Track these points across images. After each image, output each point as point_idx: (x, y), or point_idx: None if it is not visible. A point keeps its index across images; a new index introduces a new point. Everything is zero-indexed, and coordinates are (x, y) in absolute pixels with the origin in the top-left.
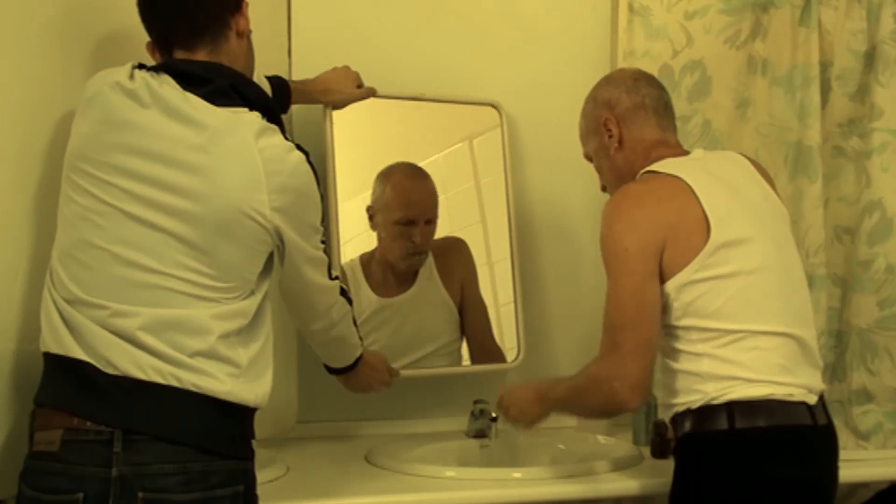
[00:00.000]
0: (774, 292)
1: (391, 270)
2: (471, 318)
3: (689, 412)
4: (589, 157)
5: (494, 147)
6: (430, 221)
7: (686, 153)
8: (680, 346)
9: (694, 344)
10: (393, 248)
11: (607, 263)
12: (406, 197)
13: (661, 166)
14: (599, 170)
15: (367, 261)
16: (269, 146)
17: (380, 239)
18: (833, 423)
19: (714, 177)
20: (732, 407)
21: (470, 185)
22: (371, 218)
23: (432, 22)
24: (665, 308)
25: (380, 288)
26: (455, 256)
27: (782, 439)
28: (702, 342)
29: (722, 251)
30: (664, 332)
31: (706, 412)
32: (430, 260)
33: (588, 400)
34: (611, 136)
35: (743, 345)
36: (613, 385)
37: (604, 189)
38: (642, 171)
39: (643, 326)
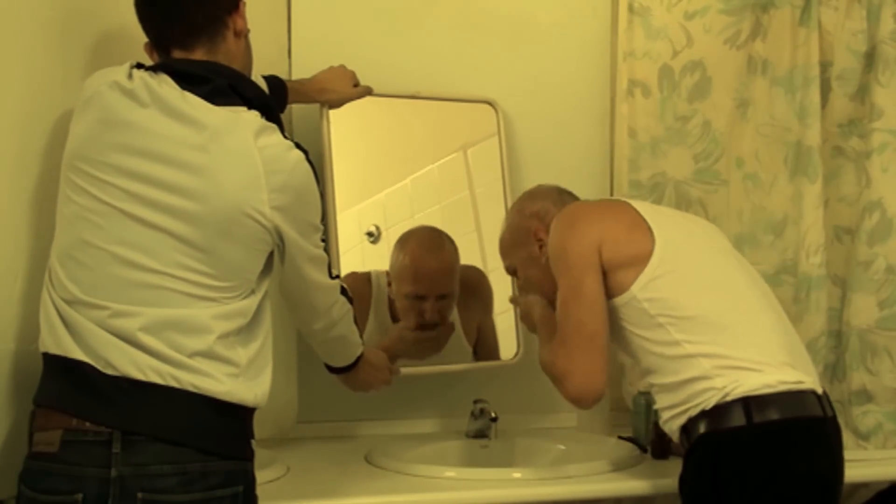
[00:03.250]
0: (740, 274)
1: None
2: (480, 346)
3: (703, 414)
4: (512, 271)
5: (490, 151)
6: (445, 297)
7: None
8: (667, 351)
9: (679, 346)
10: (407, 319)
11: (553, 268)
12: (416, 270)
13: None
14: (527, 279)
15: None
16: (268, 145)
17: (396, 307)
18: (836, 415)
19: (645, 204)
20: (748, 402)
21: (465, 195)
22: (389, 284)
23: (432, 22)
24: (639, 312)
25: None
26: (474, 294)
27: (799, 432)
28: (688, 343)
29: (674, 246)
30: (647, 346)
31: (721, 410)
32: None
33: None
34: (542, 247)
35: (729, 332)
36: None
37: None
38: None
39: (588, 321)
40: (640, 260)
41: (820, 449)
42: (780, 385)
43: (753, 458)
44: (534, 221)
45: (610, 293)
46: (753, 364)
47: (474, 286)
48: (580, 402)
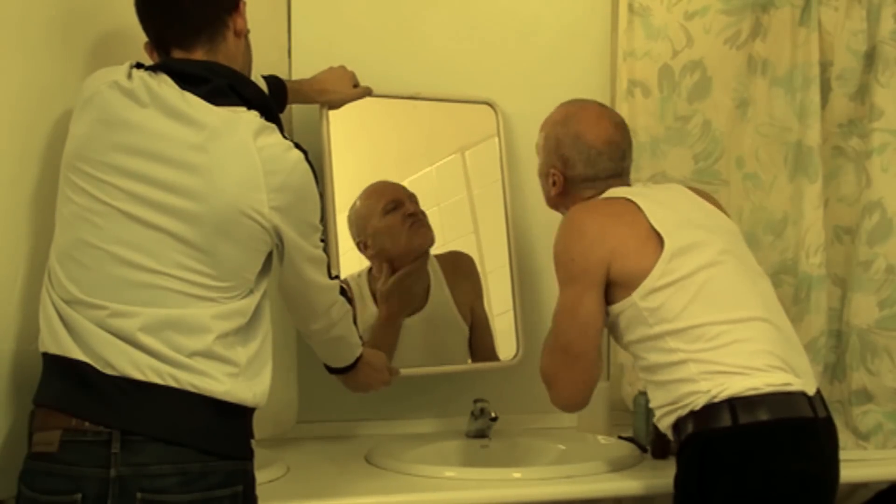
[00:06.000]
0: (737, 280)
1: None
2: (477, 336)
3: (691, 414)
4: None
5: (489, 152)
6: (414, 200)
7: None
8: (662, 358)
9: (674, 353)
10: (399, 241)
11: (556, 272)
12: (379, 190)
13: (609, 193)
14: (543, 175)
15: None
16: (267, 145)
17: (384, 251)
18: (832, 416)
19: (655, 201)
20: (734, 403)
21: (462, 197)
22: (365, 248)
23: (432, 22)
24: (638, 318)
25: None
26: (465, 276)
27: (785, 433)
28: (681, 351)
29: (678, 257)
30: (644, 348)
31: (709, 411)
32: (441, 279)
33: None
34: (555, 183)
35: (720, 340)
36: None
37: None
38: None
39: (578, 342)
40: (646, 271)
41: (807, 449)
42: (766, 387)
43: (738, 458)
44: (558, 162)
45: (611, 299)
46: (741, 369)
47: (465, 268)
48: (562, 409)
